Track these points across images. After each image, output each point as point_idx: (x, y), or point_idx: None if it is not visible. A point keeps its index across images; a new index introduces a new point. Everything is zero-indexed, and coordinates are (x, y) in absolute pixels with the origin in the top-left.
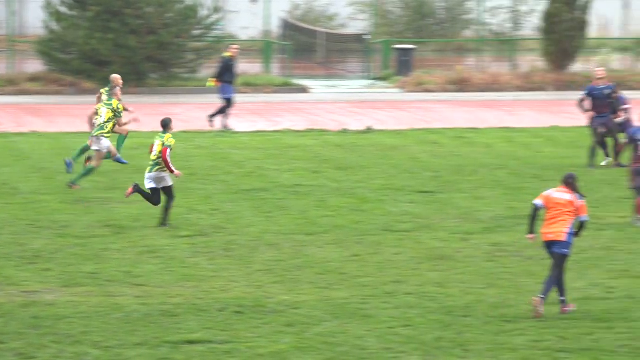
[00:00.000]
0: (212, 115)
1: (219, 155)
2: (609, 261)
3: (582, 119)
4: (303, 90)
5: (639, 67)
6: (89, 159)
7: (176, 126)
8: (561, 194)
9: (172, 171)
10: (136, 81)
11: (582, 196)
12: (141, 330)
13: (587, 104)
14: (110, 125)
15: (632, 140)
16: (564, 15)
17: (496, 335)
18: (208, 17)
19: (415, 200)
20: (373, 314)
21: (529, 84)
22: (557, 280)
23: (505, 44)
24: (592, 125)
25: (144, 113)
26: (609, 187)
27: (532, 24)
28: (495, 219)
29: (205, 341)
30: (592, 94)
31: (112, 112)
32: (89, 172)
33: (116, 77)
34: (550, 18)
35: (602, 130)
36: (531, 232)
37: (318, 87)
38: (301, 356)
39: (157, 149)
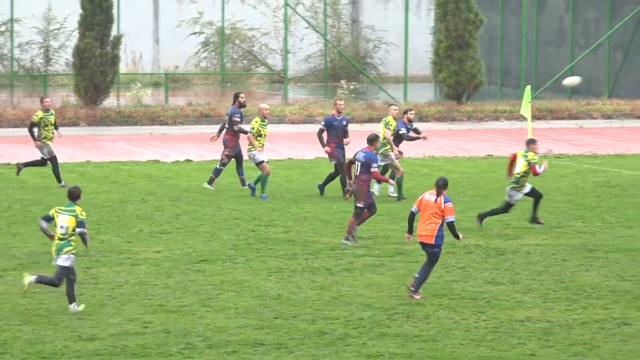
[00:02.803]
0: None
1: None
2: (145, 296)
3: (114, 154)
4: None
5: (170, 101)
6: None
7: None
8: (430, 196)
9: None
10: None
11: (448, 199)
12: None
13: (325, 135)
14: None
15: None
16: (95, 50)
17: None
18: None
19: None
20: None
21: (62, 119)
22: (425, 273)
23: (37, 80)
24: (337, 155)
25: None
26: (144, 222)
27: (63, 60)
28: (31, 255)
29: None
30: (332, 125)
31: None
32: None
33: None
34: (81, 53)
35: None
36: (410, 232)
37: None
38: None
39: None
